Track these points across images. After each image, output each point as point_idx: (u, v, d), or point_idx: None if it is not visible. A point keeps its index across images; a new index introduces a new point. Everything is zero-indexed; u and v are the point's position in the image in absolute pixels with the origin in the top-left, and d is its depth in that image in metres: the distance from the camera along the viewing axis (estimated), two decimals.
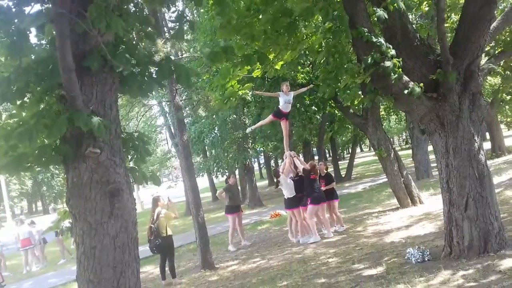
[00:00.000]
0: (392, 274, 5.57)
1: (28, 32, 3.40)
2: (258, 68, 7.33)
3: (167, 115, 26.97)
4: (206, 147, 20.05)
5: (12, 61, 3.59)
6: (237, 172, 23.35)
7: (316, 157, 26.90)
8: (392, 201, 12.22)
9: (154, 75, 3.68)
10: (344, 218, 10.66)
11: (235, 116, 17.11)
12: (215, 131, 19.65)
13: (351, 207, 13.67)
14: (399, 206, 11.30)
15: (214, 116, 16.97)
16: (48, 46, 3.56)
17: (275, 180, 10.34)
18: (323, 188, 9.61)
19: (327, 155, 42.88)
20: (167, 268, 8.07)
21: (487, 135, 23.47)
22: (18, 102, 3.56)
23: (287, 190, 9.31)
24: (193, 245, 11.95)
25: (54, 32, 3.27)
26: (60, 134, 3.08)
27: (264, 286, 6.47)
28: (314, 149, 29.73)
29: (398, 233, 8.23)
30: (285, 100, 8.55)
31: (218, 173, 20.48)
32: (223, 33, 5.77)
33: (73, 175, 3.35)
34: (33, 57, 3.44)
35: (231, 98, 6.95)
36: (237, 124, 17.83)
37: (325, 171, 10.41)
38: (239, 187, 24.44)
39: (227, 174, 21.48)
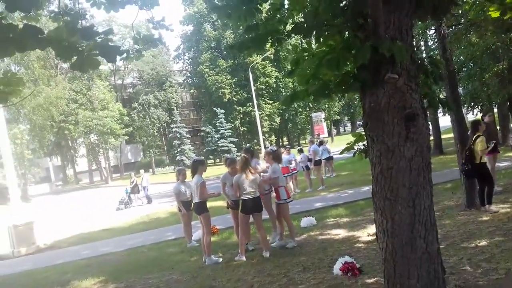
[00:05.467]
0: None
1: None
2: None
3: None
4: (460, 80, 18.16)
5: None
6: (495, 110, 20.63)
7: None
8: None
9: None
10: None
11: (499, 43, 14.81)
12: (471, 63, 17.58)
13: None
14: None
15: (473, 48, 15.07)
16: None
17: None
18: None
19: None
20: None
21: None
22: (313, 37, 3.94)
23: None
24: (450, 184, 11.45)
25: None
26: (364, 61, 3.28)
27: None
28: None
29: None
30: None
31: (475, 110, 18.48)
32: None
33: (371, 100, 3.56)
34: None
35: None
36: (502, 53, 15.40)
37: None
38: (498, 127, 21.71)
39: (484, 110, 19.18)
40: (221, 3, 3.96)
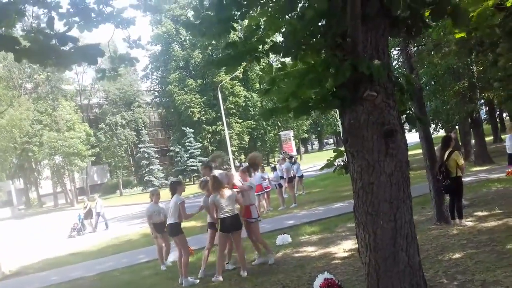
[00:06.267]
0: None
1: None
2: None
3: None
4: (423, 98, 18.91)
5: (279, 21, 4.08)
6: (457, 127, 21.46)
7: None
8: None
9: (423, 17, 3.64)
10: None
11: (460, 64, 15.55)
12: (433, 82, 18.30)
13: None
14: None
15: (436, 67, 15.74)
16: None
17: None
18: None
19: None
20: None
21: None
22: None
23: None
24: (419, 199, 11.71)
25: None
26: (344, 79, 3.38)
27: None
28: None
29: None
30: None
31: (438, 128, 19.14)
32: None
33: (350, 117, 3.65)
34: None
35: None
36: (463, 73, 16.13)
37: None
38: (460, 142, 22.60)
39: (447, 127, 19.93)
40: (195, 21, 3.99)
